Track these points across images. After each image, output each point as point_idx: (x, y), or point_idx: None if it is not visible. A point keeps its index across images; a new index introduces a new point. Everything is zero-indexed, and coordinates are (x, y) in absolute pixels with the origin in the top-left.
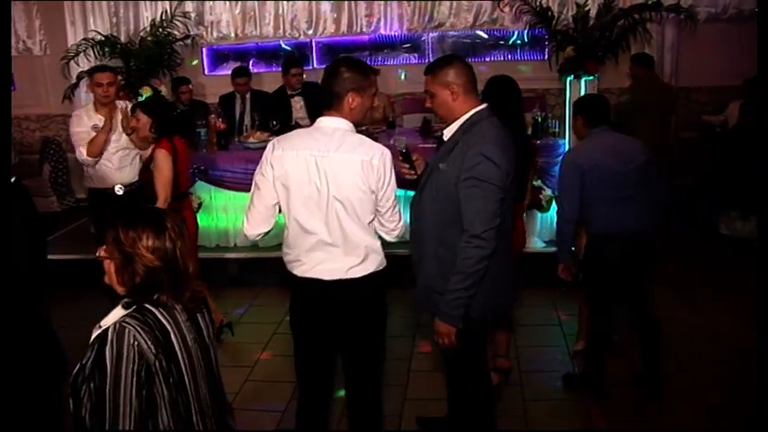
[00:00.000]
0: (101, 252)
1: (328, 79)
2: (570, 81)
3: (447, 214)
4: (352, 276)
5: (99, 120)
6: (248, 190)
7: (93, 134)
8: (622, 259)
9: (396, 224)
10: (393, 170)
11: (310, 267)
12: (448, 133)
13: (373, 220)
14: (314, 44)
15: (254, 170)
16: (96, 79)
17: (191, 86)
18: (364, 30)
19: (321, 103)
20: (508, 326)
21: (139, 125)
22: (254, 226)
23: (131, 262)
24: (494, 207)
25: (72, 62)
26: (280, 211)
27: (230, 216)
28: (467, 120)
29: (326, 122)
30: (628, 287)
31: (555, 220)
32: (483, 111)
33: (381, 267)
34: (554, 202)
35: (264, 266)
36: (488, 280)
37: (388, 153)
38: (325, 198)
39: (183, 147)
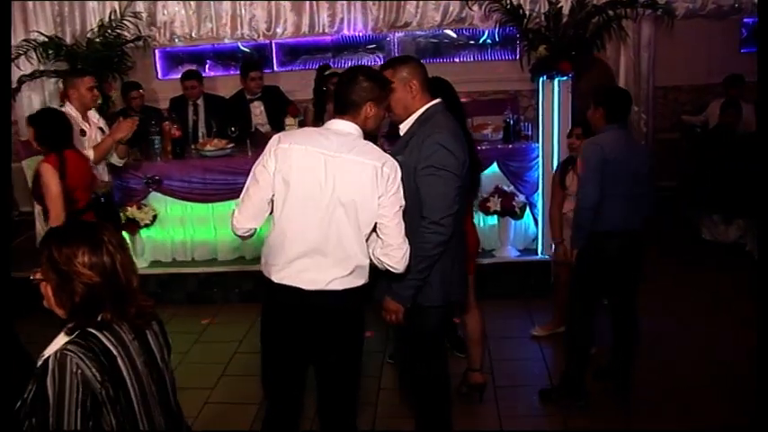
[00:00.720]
0: (35, 276)
1: (346, 87)
2: (543, 82)
3: (406, 203)
4: (333, 288)
5: (84, 125)
6: (206, 201)
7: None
8: (620, 256)
9: (399, 242)
10: (401, 182)
11: (292, 274)
12: (404, 127)
13: (371, 234)
14: (274, 46)
15: (212, 180)
16: (87, 83)
17: (142, 91)
18: (326, 30)
19: (336, 107)
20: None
21: (30, 137)
22: (247, 219)
23: (69, 281)
24: (452, 194)
25: (12, 65)
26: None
27: (187, 228)
28: (422, 113)
29: (340, 125)
30: (619, 286)
31: (528, 227)
32: (437, 105)
33: (363, 282)
34: (528, 209)
35: (225, 282)
36: (444, 266)
37: (396, 163)
38: (327, 200)
39: (75, 160)
